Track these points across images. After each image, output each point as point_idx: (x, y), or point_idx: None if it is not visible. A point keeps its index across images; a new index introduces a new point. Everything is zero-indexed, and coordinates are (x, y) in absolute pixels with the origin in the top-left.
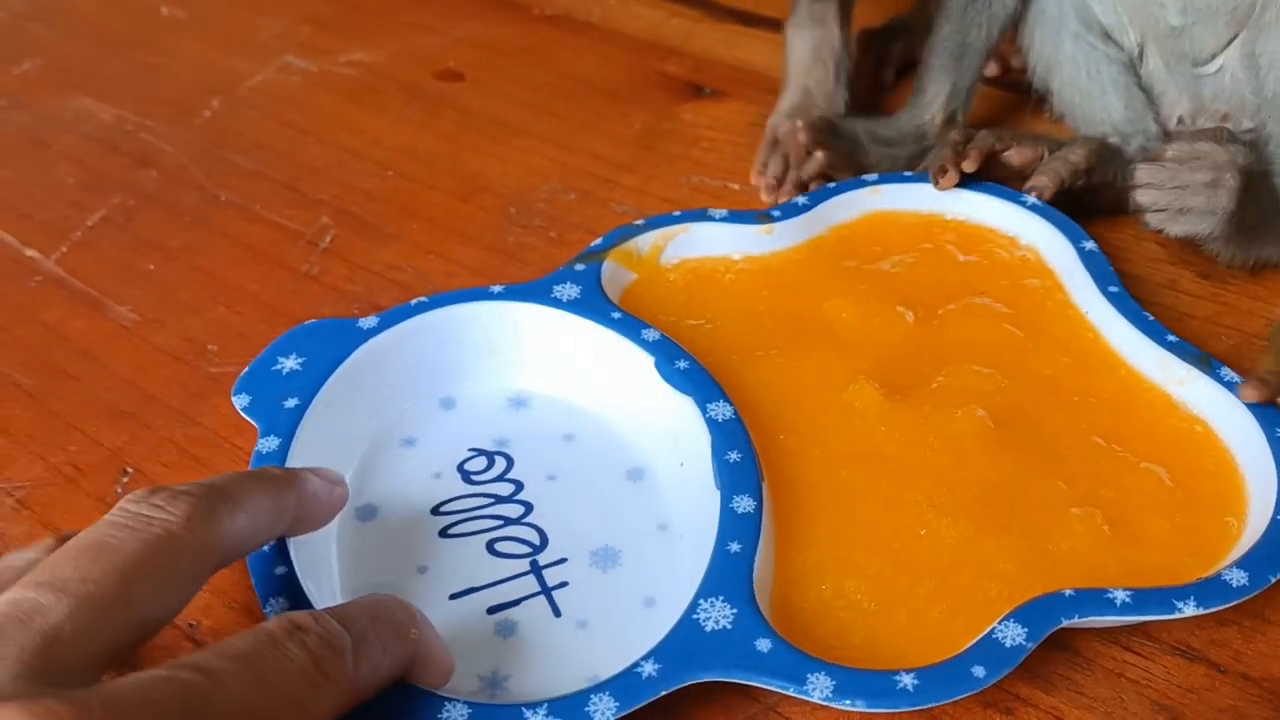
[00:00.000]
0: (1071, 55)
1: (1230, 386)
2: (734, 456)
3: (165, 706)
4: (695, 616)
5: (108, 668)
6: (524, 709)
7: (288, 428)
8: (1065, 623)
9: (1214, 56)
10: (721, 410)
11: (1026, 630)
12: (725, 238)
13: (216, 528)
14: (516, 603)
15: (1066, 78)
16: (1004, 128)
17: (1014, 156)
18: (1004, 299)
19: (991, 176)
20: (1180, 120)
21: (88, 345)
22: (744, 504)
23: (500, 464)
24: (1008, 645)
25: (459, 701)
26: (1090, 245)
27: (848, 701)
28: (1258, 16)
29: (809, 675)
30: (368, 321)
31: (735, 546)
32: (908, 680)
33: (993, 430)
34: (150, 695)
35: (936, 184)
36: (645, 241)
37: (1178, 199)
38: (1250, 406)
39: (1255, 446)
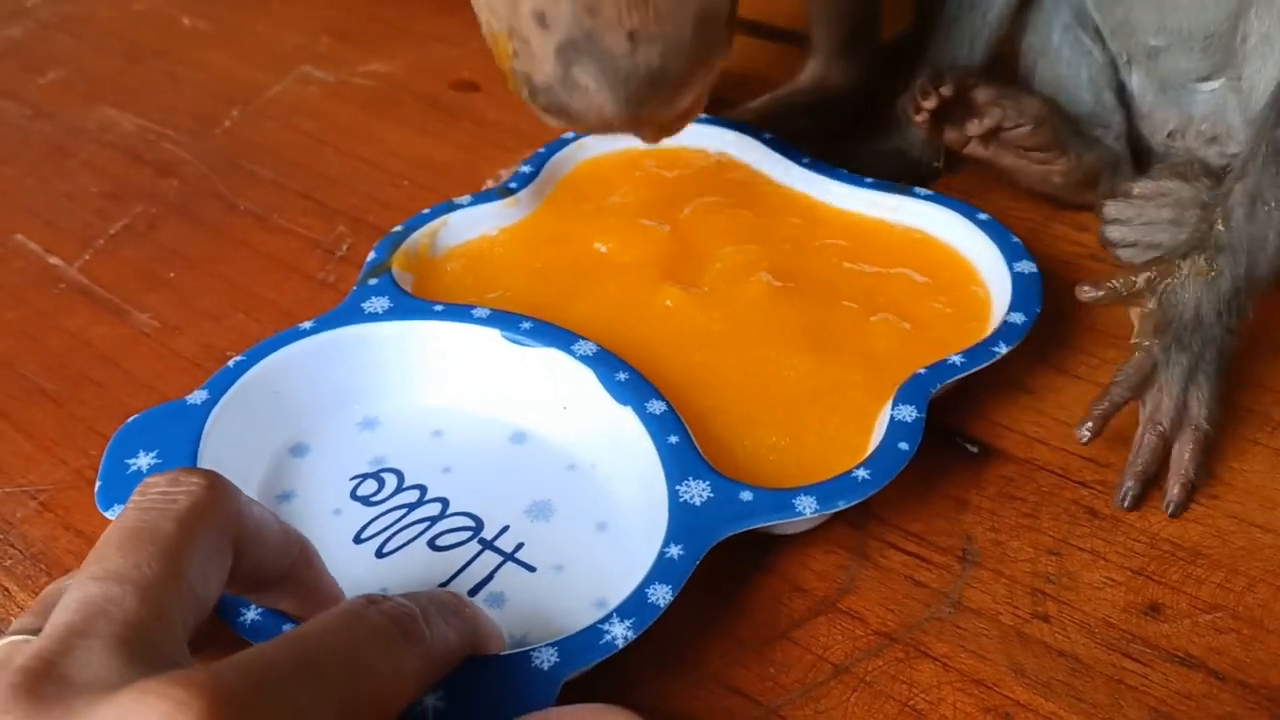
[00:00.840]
0: (1057, 45)
1: (927, 199)
2: (622, 376)
3: (284, 666)
4: (682, 500)
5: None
6: (601, 626)
7: None
8: (935, 388)
9: (1202, 79)
10: (584, 348)
11: (913, 406)
12: (479, 219)
13: (236, 497)
14: (490, 577)
15: (1048, 66)
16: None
17: (980, 95)
18: (722, 193)
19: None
20: (1170, 134)
21: (110, 351)
22: (656, 407)
23: (391, 480)
24: (909, 421)
25: (543, 646)
26: (768, 135)
27: (832, 505)
28: (1240, 44)
29: (792, 501)
30: (196, 397)
31: (674, 439)
32: (861, 473)
33: (780, 286)
34: (267, 657)
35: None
36: (413, 242)
37: (1145, 234)
38: (949, 204)
39: (962, 231)
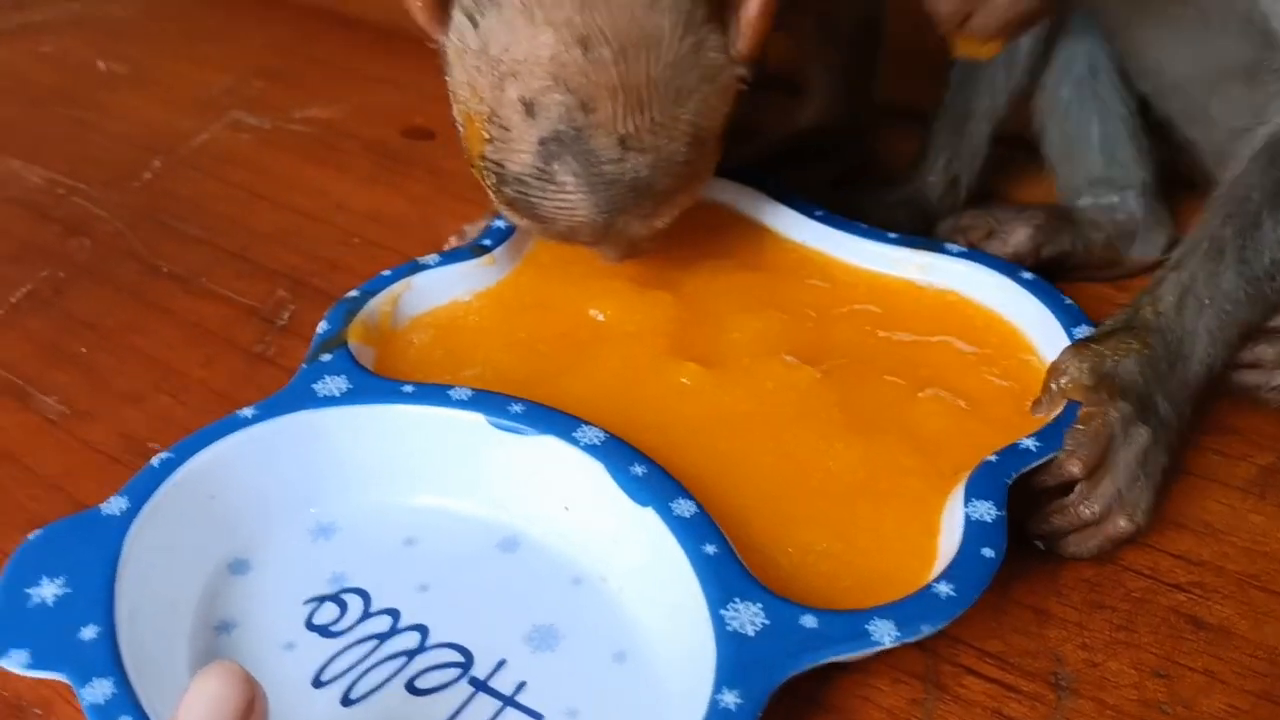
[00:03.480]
0: (1066, 103)
1: (962, 256)
2: (639, 470)
3: None
4: (730, 628)
5: None
6: None
7: (109, 666)
8: (1011, 478)
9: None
10: (589, 435)
11: (991, 502)
12: (449, 281)
13: None
14: None
15: (1056, 126)
16: (993, 206)
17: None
18: (727, 250)
19: None
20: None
21: (8, 443)
22: (684, 507)
23: (355, 602)
24: (989, 520)
25: None
26: (773, 185)
27: (915, 631)
28: None
29: (865, 627)
30: (113, 505)
31: (710, 548)
32: (943, 589)
33: (808, 366)
34: None
35: None
36: (372, 310)
37: None
38: (987, 262)
39: (1003, 292)
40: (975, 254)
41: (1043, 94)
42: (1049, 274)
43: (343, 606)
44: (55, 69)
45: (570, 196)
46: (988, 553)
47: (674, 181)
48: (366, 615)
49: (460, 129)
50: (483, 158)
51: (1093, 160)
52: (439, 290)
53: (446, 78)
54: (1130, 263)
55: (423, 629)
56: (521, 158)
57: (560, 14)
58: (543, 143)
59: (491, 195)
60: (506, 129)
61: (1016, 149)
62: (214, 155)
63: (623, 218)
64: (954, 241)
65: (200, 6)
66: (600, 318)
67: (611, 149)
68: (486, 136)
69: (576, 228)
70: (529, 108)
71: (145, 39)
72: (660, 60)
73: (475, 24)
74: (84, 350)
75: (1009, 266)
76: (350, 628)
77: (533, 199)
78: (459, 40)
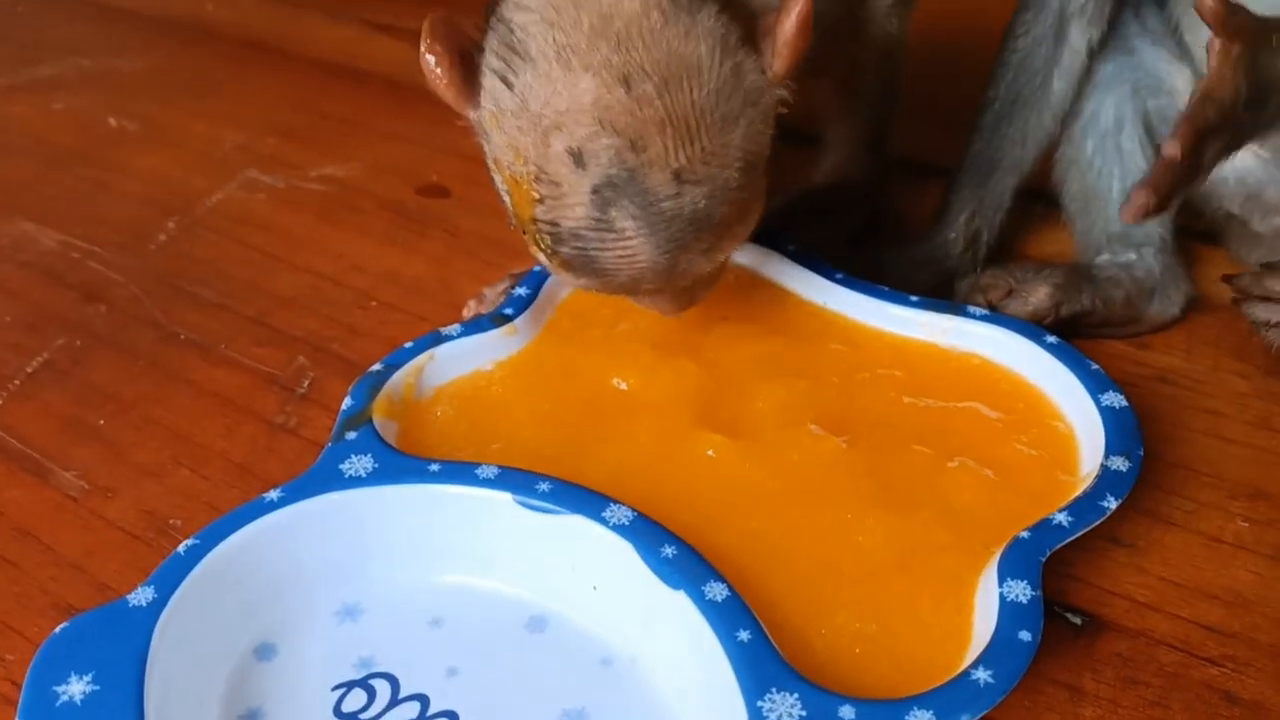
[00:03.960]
0: (1089, 156)
1: (984, 320)
2: (669, 551)
3: None
4: (767, 719)
5: None
6: None
7: None
8: (1045, 555)
9: None
10: (618, 514)
11: (1026, 582)
12: (471, 352)
13: None
14: None
15: (1077, 178)
16: (1011, 265)
17: (991, 293)
18: (748, 315)
19: None
20: None
21: (27, 521)
22: (716, 591)
23: (384, 688)
24: (1024, 601)
25: None
26: (793, 247)
27: (955, 719)
28: None
29: (905, 717)
30: (140, 596)
31: (744, 634)
32: (981, 675)
33: (834, 436)
34: None
35: None
36: (395, 384)
37: None
38: (1010, 325)
39: (1028, 356)
40: (999, 317)
41: (1068, 145)
42: (1067, 332)
43: (371, 692)
44: (67, 127)
45: (631, 242)
46: (1025, 636)
47: (731, 210)
48: (395, 702)
49: (505, 197)
50: (534, 221)
51: (1111, 215)
52: (461, 361)
53: (485, 148)
54: (1148, 320)
55: (452, 715)
56: (576, 211)
57: (598, 57)
58: (596, 191)
59: (545, 259)
60: (557, 184)
61: (1034, 201)
62: (229, 215)
63: (685, 256)
64: (974, 300)
65: (208, 61)
66: (623, 386)
67: (667, 185)
68: (536, 197)
69: (640, 275)
70: (577, 158)
71: (155, 95)
72: (704, 87)
73: (510, 85)
74: (103, 422)
75: (1033, 330)
76: (379, 715)
77: (592, 252)
78: (494, 105)
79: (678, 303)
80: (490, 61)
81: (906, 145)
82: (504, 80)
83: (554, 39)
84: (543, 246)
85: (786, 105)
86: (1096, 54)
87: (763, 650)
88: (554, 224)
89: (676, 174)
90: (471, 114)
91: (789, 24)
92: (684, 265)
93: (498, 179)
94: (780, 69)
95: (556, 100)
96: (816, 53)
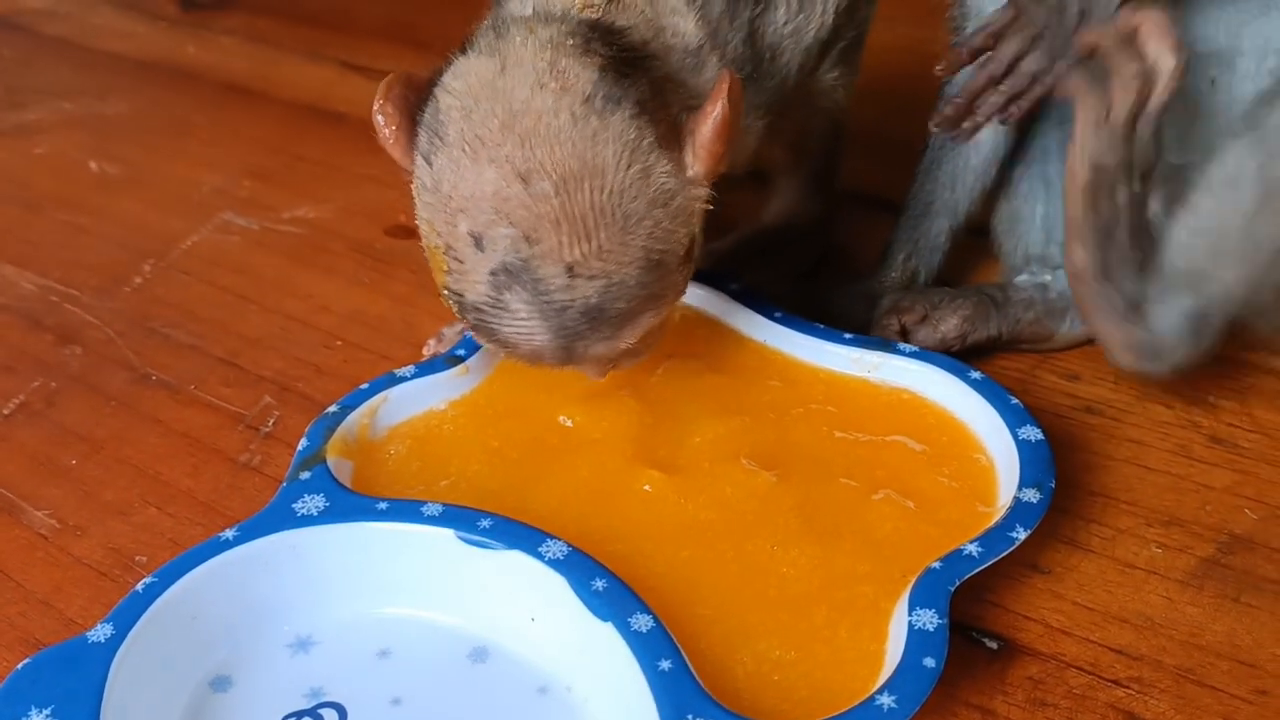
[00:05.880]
0: (1016, 181)
1: (913, 355)
2: (599, 584)
3: None
4: None
5: None
6: None
7: None
8: (954, 585)
9: None
10: (553, 549)
11: (933, 610)
12: (424, 392)
13: None
14: None
15: (1006, 202)
16: (930, 289)
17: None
18: (691, 352)
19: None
20: None
21: None
22: (642, 622)
23: (332, 717)
24: (930, 629)
25: None
26: (735, 286)
27: None
28: None
29: None
30: (99, 633)
31: (665, 663)
32: (885, 700)
33: (769, 463)
34: None
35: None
36: (350, 425)
37: None
38: (936, 361)
39: (954, 391)
40: (926, 354)
41: (999, 172)
42: (985, 349)
43: None
44: (49, 171)
45: (525, 324)
46: (929, 662)
47: (631, 305)
48: None
49: (429, 261)
50: (445, 288)
51: (1033, 237)
52: (415, 401)
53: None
54: (1059, 339)
55: None
56: (477, 288)
57: (501, 151)
58: (493, 274)
59: (460, 320)
60: (461, 261)
61: (980, 237)
62: (203, 258)
63: (582, 342)
64: (888, 322)
65: (189, 104)
66: (569, 424)
67: (559, 277)
68: (446, 269)
69: (537, 352)
70: (478, 241)
71: (137, 138)
72: (605, 189)
73: (430, 163)
74: (74, 462)
75: (959, 366)
76: None
77: (492, 325)
78: (420, 178)
79: (594, 371)
80: (420, 136)
81: (858, 179)
82: (426, 159)
83: (466, 128)
84: (454, 310)
85: (713, 202)
86: None
87: (682, 678)
88: (459, 294)
89: (569, 268)
90: (409, 171)
91: (706, 129)
92: (581, 350)
93: (422, 241)
94: (701, 170)
95: (462, 186)
96: (766, 128)
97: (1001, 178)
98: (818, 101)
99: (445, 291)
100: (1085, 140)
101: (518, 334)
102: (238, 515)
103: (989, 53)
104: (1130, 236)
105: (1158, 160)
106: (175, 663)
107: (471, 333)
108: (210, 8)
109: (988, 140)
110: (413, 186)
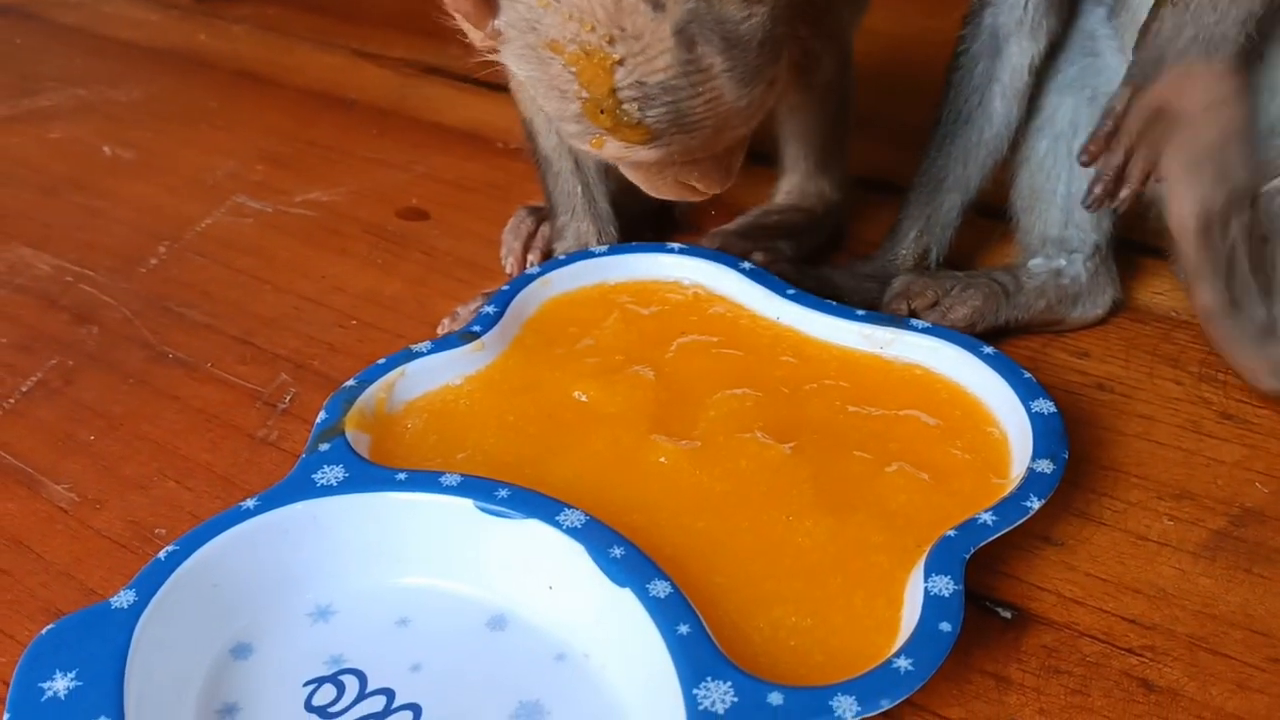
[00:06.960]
0: (1041, 156)
1: (925, 331)
2: (617, 552)
3: None
4: (701, 706)
5: None
6: None
7: None
8: (969, 552)
9: None
10: (571, 518)
11: (949, 577)
12: (440, 368)
13: None
14: None
15: (1027, 177)
16: (941, 274)
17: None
18: (704, 330)
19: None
20: None
21: (20, 532)
22: (660, 588)
23: (352, 683)
24: (946, 595)
25: None
26: (748, 265)
27: (875, 706)
28: None
29: (829, 702)
30: (122, 599)
31: (684, 628)
32: (902, 663)
33: (783, 436)
34: None
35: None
36: (368, 398)
37: None
38: (949, 337)
39: (966, 366)
40: (938, 329)
41: (1024, 143)
42: (990, 334)
43: (340, 688)
44: (64, 155)
45: (717, 82)
46: (945, 627)
47: (784, 30)
48: (362, 696)
49: (580, 79)
50: (614, 92)
51: (1053, 216)
52: (431, 376)
53: (516, 59)
54: (1071, 321)
55: (415, 708)
56: (663, 59)
57: None
58: (680, 31)
59: (620, 142)
60: (637, 37)
61: (994, 218)
62: (218, 240)
63: (760, 82)
64: (897, 304)
65: (202, 90)
66: (583, 399)
67: (739, 8)
68: (617, 58)
69: (725, 119)
70: (655, 2)
71: (150, 124)
72: None
73: None
74: (93, 438)
75: (971, 341)
76: (347, 708)
77: (683, 105)
78: (524, 18)
79: (721, 170)
80: None
81: (866, 163)
82: None
83: None
84: (628, 119)
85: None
86: (1061, 53)
87: (700, 642)
88: (640, 83)
89: None
90: (494, 22)
91: None
92: (759, 95)
93: (552, 68)
94: None
95: None
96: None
97: (1026, 149)
98: (824, 19)
99: (613, 97)
100: (1182, 190)
101: (709, 101)
102: (256, 489)
103: None
104: (1250, 262)
105: (1260, 181)
106: (197, 629)
107: (644, 147)
108: None
109: (1000, 113)
110: (506, 28)
